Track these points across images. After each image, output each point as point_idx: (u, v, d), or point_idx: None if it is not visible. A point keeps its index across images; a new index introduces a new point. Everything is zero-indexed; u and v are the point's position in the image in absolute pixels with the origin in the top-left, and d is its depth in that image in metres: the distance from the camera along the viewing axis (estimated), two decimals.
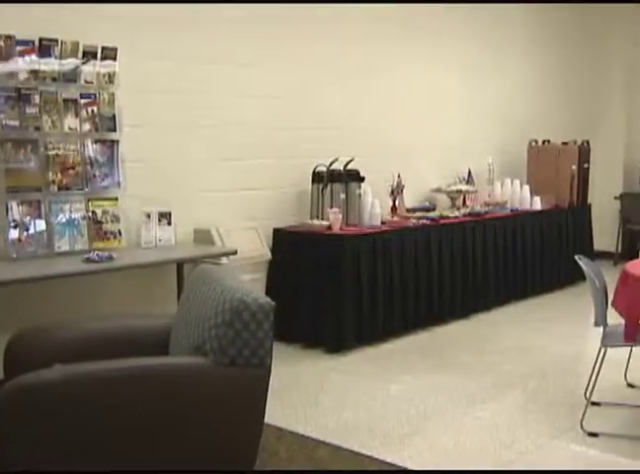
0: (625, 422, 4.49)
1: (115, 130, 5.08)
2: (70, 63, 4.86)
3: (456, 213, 7.15)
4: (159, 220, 5.27)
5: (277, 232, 6.20)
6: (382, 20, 7.04)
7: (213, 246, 5.49)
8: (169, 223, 5.30)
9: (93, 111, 4.98)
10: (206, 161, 5.77)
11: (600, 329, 4.34)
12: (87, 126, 4.97)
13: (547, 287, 8.04)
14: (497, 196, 8.01)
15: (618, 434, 4.26)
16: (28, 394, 2.83)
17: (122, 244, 5.10)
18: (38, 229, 4.73)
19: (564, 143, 8.54)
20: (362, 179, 6.38)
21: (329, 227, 6.04)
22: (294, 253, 6.06)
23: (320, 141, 6.52)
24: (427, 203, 7.47)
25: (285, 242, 6.14)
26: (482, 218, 7.24)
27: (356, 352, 5.87)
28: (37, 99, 4.72)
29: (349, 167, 6.31)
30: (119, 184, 5.11)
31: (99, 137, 5.04)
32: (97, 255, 4.60)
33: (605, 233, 9.59)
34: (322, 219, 6.17)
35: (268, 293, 5.86)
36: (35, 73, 4.71)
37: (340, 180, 6.24)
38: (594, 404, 4.61)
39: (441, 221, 6.81)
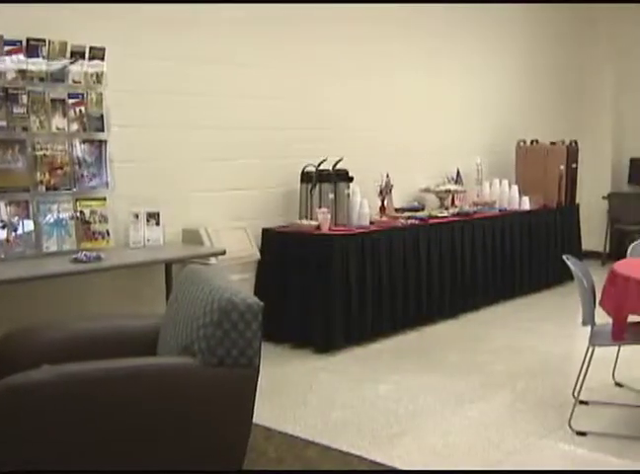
0: (613, 421, 4.50)
1: (103, 130, 5.07)
2: (58, 63, 4.85)
3: (445, 213, 7.16)
4: (147, 220, 5.26)
5: (265, 232, 6.19)
6: (373, 21, 7.04)
7: (202, 246, 5.48)
8: (157, 223, 5.29)
9: (81, 111, 4.97)
10: (195, 161, 5.76)
11: (588, 328, 4.36)
12: (75, 126, 4.95)
13: (536, 287, 8.07)
14: (485, 195, 8.03)
15: (606, 432, 4.27)
16: (16, 395, 2.81)
17: (111, 244, 5.09)
18: (26, 229, 4.71)
19: (552, 143, 8.56)
20: (351, 179, 6.38)
21: (318, 227, 6.04)
22: (283, 253, 6.06)
23: (309, 141, 6.52)
24: (415, 203, 7.48)
25: (274, 242, 6.13)
26: (471, 218, 7.26)
27: (344, 352, 5.88)
28: (24, 99, 4.70)
29: (337, 167, 6.31)
30: (107, 184, 5.09)
31: (87, 137, 5.03)
32: (85, 255, 4.58)
33: (593, 233, 9.62)
34: (311, 219, 6.17)
35: (256, 293, 5.84)
36: (22, 73, 4.69)
37: (329, 180, 6.24)
38: (582, 403, 4.62)
39: (430, 221, 6.82)
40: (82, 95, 4.98)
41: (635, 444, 4.09)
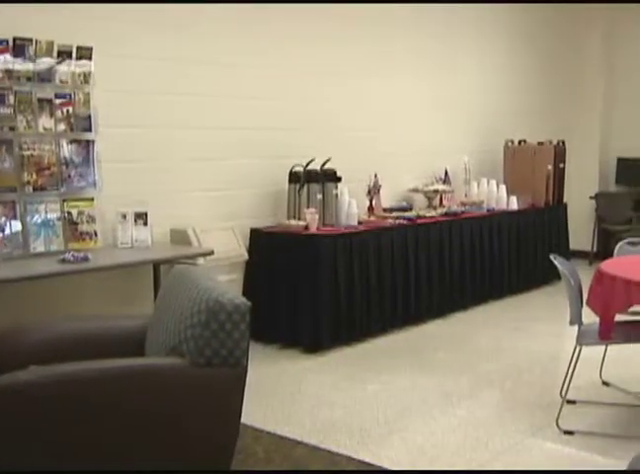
0: (600, 420, 4.52)
1: (90, 130, 5.06)
2: (45, 63, 4.83)
3: (433, 213, 7.17)
4: (135, 221, 5.25)
5: (253, 232, 6.19)
6: (363, 23, 7.05)
7: (190, 246, 5.47)
8: (145, 224, 5.28)
9: (68, 111, 4.95)
10: (183, 161, 5.76)
11: (576, 327, 4.37)
12: (62, 126, 4.94)
13: (523, 287, 8.09)
14: (473, 195, 8.05)
15: (593, 431, 4.29)
16: (3, 395, 2.80)
17: (98, 245, 5.08)
18: (13, 230, 4.70)
19: (540, 143, 8.58)
20: (339, 179, 6.39)
21: (306, 227, 6.05)
22: (271, 253, 6.06)
23: (297, 141, 6.53)
24: (404, 203, 7.49)
25: (262, 242, 6.13)
26: (459, 218, 7.27)
27: (333, 352, 5.88)
28: (11, 99, 4.68)
29: (325, 167, 6.31)
30: (94, 184, 5.08)
31: (74, 137, 5.01)
32: (72, 256, 4.57)
33: (581, 232, 9.66)
34: (299, 219, 6.17)
35: (245, 294, 5.85)
36: (9, 73, 4.67)
37: (317, 180, 6.24)
38: (569, 402, 4.64)
39: (418, 221, 6.83)
40: (69, 95, 4.96)
41: (622, 443, 4.11)
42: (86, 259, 4.59)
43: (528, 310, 7.37)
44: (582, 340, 4.33)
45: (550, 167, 8.41)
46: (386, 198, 7.24)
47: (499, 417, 4.54)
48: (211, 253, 5.26)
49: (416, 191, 7.63)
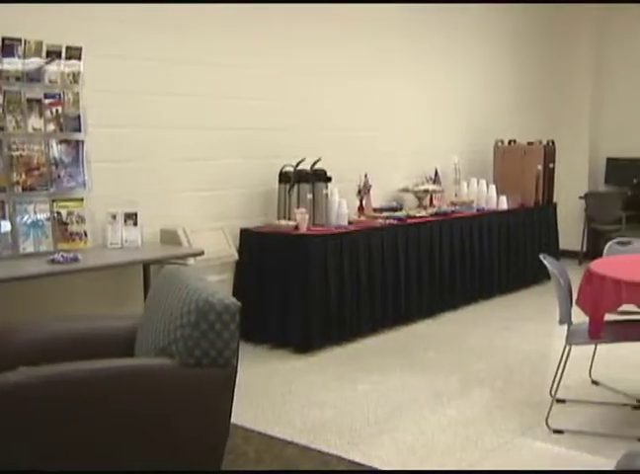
0: (590, 418, 4.53)
1: (79, 130, 5.04)
2: (34, 63, 4.82)
3: (423, 213, 7.18)
4: (125, 221, 5.24)
5: (243, 232, 6.19)
6: (353, 23, 7.06)
7: (180, 247, 5.46)
8: (135, 224, 5.27)
9: (57, 111, 4.94)
10: (173, 161, 5.75)
11: (565, 327, 4.38)
12: (51, 127, 4.93)
13: (513, 286, 8.10)
14: (463, 195, 8.06)
15: (583, 430, 4.30)
16: None
17: (88, 245, 5.06)
18: (2, 230, 4.68)
19: (530, 143, 8.60)
20: (329, 179, 6.39)
21: (296, 227, 6.04)
22: (261, 253, 6.06)
23: (287, 141, 6.53)
24: (394, 203, 7.49)
25: (252, 242, 6.13)
26: (449, 218, 7.28)
27: (323, 352, 5.88)
28: (0, 99, 4.67)
29: (316, 167, 6.31)
30: (84, 184, 5.07)
31: (64, 137, 5.00)
32: (62, 256, 4.56)
33: (571, 232, 9.68)
34: (289, 219, 6.17)
35: (235, 294, 5.85)
36: None
37: (307, 180, 6.23)
38: (559, 401, 4.66)
39: (408, 221, 6.83)
40: (59, 95, 4.95)
41: (611, 442, 4.12)
42: (76, 259, 4.58)
43: (518, 310, 7.39)
44: (571, 339, 4.34)
45: (540, 167, 8.43)
46: (376, 198, 7.25)
47: (489, 416, 4.55)
48: (201, 253, 5.26)
49: (406, 190, 7.64)
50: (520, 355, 5.80)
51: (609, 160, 9.89)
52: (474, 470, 3.83)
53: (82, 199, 5.07)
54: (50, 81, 4.91)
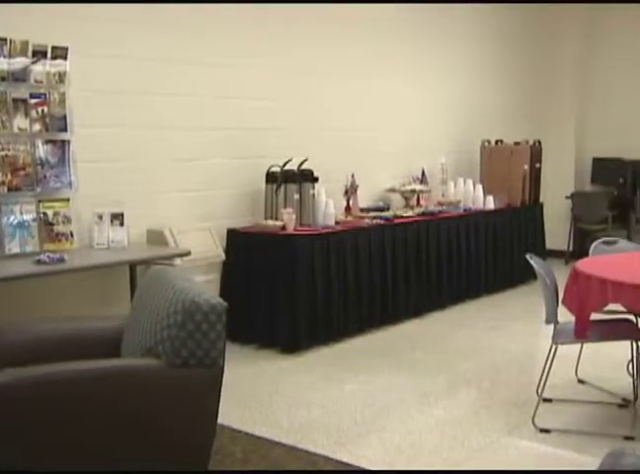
0: (576, 417, 4.55)
1: (66, 131, 5.03)
2: (19, 62, 4.80)
3: (410, 213, 7.19)
4: (111, 221, 5.22)
5: (230, 233, 6.18)
6: (340, 24, 7.06)
7: (167, 247, 5.45)
8: (121, 224, 5.26)
9: (43, 111, 4.92)
10: (159, 161, 5.74)
11: (552, 326, 4.40)
12: (37, 127, 4.91)
13: (500, 286, 8.12)
14: (450, 195, 8.08)
15: (569, 429, 4.32)
16: None
17: (74, 245, 5.05)
18: None
19: (516, 143, 8.63)
20: (316, 179, 6.39)
21: (283, 227, 6.04)
22: (248, 253, 6.05)
23: (274, 142, 6.53)
24: (381, 203, 7.50)
25: (239, 243, 6.12)
26: (436, 218, 7.29)
27: (310, 352, 5.88)
28: None
29: (303, 167, 6.31)
30: (70, 185, 5.05)
31: (49, 138, 4.98)
32: (48, 257, 4.54)
33: (557, 232, 9.71)
34: (276, 220, 6.16)
35: (222, 294, 5.85)
36: None
37: (294, 180, 6.24)
38: (545, 400, 4.67)
39: (395, 221, 6.84)
40: (44, 95, 4.93)
41: (597, 440, 4.14)
42: (62, 260, 4.57)
43: (505, 309, 7.41)
44: (558, 338, 4.36)
45: (526, 167, 8.46)
46: (363, 198, 7.25)
47: (476, 416, 4.56)
48: (188, 253, 5.25)
49: (393, 191, 7.65)
50: (506, 355, 5.82)
51: (596, 160, 9.93)
52: (461, 470, 3.83)
53: (68, 200, 5.06)
54: (36, 81, 4.89)
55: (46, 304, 4.98)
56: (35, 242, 4.87)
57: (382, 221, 6.71)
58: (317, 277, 5.95)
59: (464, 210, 7.83)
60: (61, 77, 4.99)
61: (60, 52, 4.95)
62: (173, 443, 3.07)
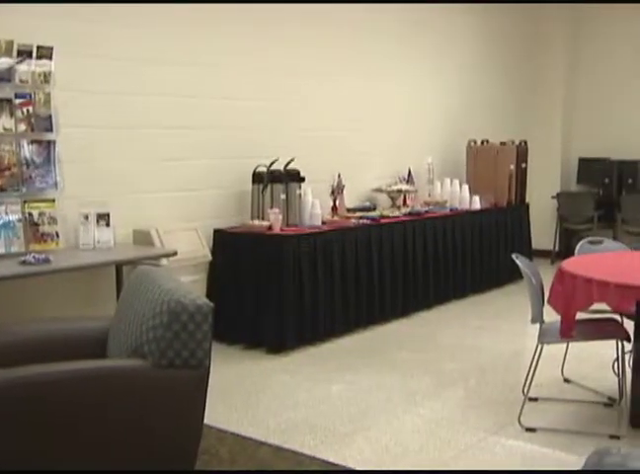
0: (562, 416, 4.56)
1: (51, 131, 5.00)
2: (4, 62, 4.78)
3: (397, 213, 7.20)
4: (97, 221, 5.21)
5: (217, 233, 6.17)
6: (324, 23, 7.05)
7: (153, 247, 5.44)
8: (107, 224, 5.24)
9: (28, 111, 4.90)
10: (146, 161, 5.73)
11: (538, 326, 4.41)
12: (22, 127, 4.88)
13: (487, 286, 8.14)
14: (437, 195, 8.09)
15: (555, 428, 4.34)
16: None
17: (60, 246, 5.03)
18: None
19: (502, 143, 8.65)
20: (303, 179, 6.39)
21: (269, 228, 6.04)
22: (235, 254, 6.04)
23: (261, 142, 6.52)
24: (367, 203, 7.51)
25: (226, 243, 6.12)
26: (422, 218, 7.30)
27: (297, 352, 5.88)
28: None
29: (289, 167, 6.31)
30: (56, 185, 5.03)
31: (35, 138, 4.96)
32: (33, 257, 4.52)
33: (543, 232, 9.74)
34: (262, 220, 6.16)
35: (208, 294, 5.85)
36: None
37: (280, 180, 6.23)
38: (531, 400, 4.69)
39: (382, 221, 6.85)
40: (29, 95, 4.91)
41: (583, 439, 4.16)
42: (47, 260, 4.55)
43: (491, 309, 7.42)
44: (543, 338, 4.37)
45: (512, 167, 8.48)
46: (350, 199, 7.26)
47: (462, 415, 4.57)
48: (174, 254, 5.24)
49: (379, 191, 7.66)
50: (492, 355, 5.83)
51: (581, 160, 9.97)
52: (448, 470, 3.84)
53: (54, 200, 5.04)
54: (21, 81, 4.87)
55: (32, 305, 4.96)
56: (20, 242, 4.85)
57: (369, 221, 6.71)
58: (304, 277, 5.95)
59: (451, 210, 7.84)
60: (46, 77, 4.97)
61: (45, 52, 4.93)
62: (159, 444, 3.07)
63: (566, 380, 5.15)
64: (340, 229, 6.39)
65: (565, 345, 5.14)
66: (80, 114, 5.25)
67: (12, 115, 4.83)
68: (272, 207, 6.14)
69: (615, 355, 4.58)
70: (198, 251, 5.80)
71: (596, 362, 5.46)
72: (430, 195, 8.11)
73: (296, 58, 6.86)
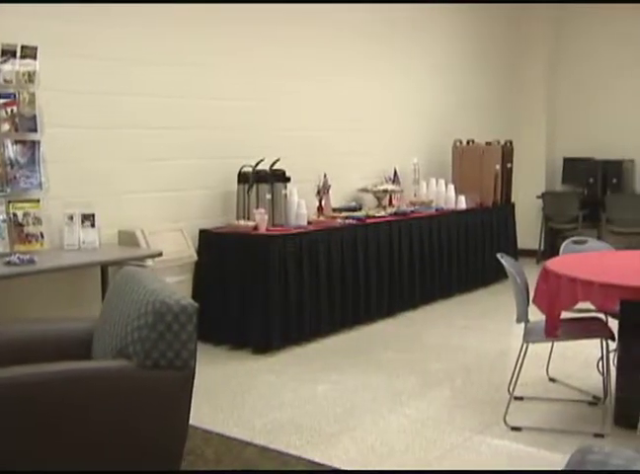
0: (547, 415, 4.58)
1: (35, 131, 4.98)
2: None
3: (382, 213, 7.21)
4: (82, 222, 5.19)
5: (202, 233, 6.16)
6: (311, 24, 7.06)
7: (138, 248, 5.43)
8: (93, 225, 5.23)
9: (12, 111, 4.88)
10: (131, 162, 5.71)
11: (523, 325, 4.43)
12: (6, 127, 4.86)
13: (473, 285, 8.16)
14: (422, 195, 8.11)
15: (540, 427, 4.35)
16: None
17: (45, 246, 5.01)
18: None
19: (488, 143, 8.67)
20: (288, 179, 6.39)
21: (255, 228, 6.03)
22: (220, 254, 6.04)
23: (246, 142, 6.52)
24: (353, 203, 7.51)
25: (211, 243, 6.11)
26: (408, 218, 7.31)
27: (283, 352, 5.88)
28: None
29: (274, 167, 6.31)
30: (40, 185, 5.01)
31: (19, 138, 4.94)
32: (18, 258, 4.50)
33: (529, 231, 9.77)
34: (248, 220, 6.15)
35: (194, 295, 5.84)
36: None
37: (266, 180, 6.23)
38: (517, 399, 4.70)
39: (368, 221, 6.85)
40: (14, 94, 4.89)
41: (568, 438, 4.17)
42: (32, 261, 4.53)
43: (477, 309, 7.44)
44: (528, 337, 4.38)
45: (498, 167, 8.51)
46: (336, 199, 7.26)
47: (448, 415, 4.58)
48: (160, 254, 5.23)
49: (365, 191, 7.66)
50: (478, 354, 5.84)
51: (566, 160, 10.01)
52: (433, 470, 3.85)
53: (38, 201, 5.02)
54: (5, 81, 4.85)
55: (16, 306, 4.94)
56: (4, 243, 4.83)
57: (355, 221, 6.72)
58: (289, 278, 5.95)
59: (436, 210, 7.86)
60: (31, 77, 4.95)
61: (30, 52, 4.91)
62: (144, 445, 3.06)
63: (551, 379, 5.17)
64: (326, 229, 6.39)
65: (550, 344, 5.16)
66: (65, 114, 5.24)
67: None
68: (257, 207, 6.14)
69: (600, 354, 4.60)
70: (183, 251, 5.79)
71: (580, 361, 5.48)
72: (415, 194, 8.13)
73: (283, 59, 6.86)
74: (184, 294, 3.14)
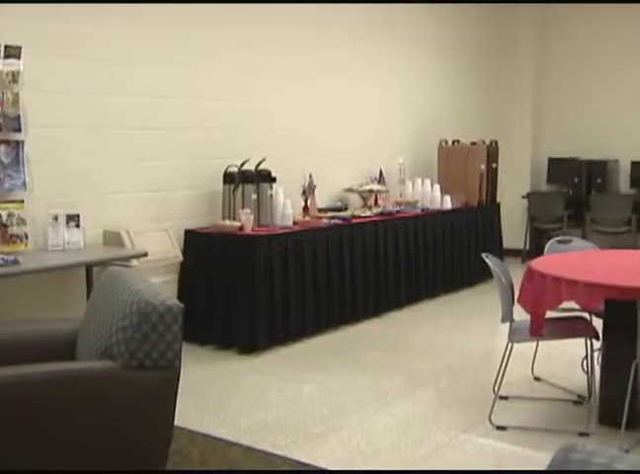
0: (532, 414, 4.60)
1: (20, 131, 4.96)
2: None
3: (368, 213, 7.22)
4: (67, 222, 5.18)
5: (188, 233, 6.15)
6: (296, 23, 7.06)
7: (123, 248, 5.41)
8: (77, 225, 5.21)
9: None
10: (116, 162, 5.70)
11: (508, 325, 4.44)
12: None
13: (458, 285, 8.18)
14: (408, 195, 8.12)
15: (525, 426, 4.37)
16: None
17: (29, 247, 4.99)
18: None
19: (473, 143, 8.69)
20: (274, 179, 6.39)
21: (241, 228, 6.03)
22: (206, 254, 6.03)
23: (232, 142, 6.51)
24: (339, 203, 7.52)
25: (197, 243, 6.10)
26: (394, 218, 7.32)
27: (269, 352, 5.88)
28: None
29: (260, 167, 6.30)
30: (24, 185, 4.98)
31: (3, 138, 4.91)
32: (2, 259, 4.48)
33: (514, 231, 9.81)
34: (234, 220, 6.15)
35: (180, 295, 5.84)
36: None
37: (251, 180, 6.23)
38: (502, 398, 4.72)
39: (353, 221, 6.86)
40: None
41: (552, 437, 4.20)
42: (16, 262, 4.51)
43: (463, 308, 7.46)
44: (513, 337, 4.40)
45: (483, 167, 8.53)
46: (321, 199, 7.27)
47: (433, 414, 4.59)
48: (145, 254, 5.22)
49: (351, 191, 7.67)
50: (464, 354, 5.86)
51: (551, 160, 10.05)
52: (419, 470, 3.85)
53: (22, 201, 4.99)
54: None
55: (1, 307, 4.92)
56: None
57: (340, 221, 6.72)
58: (275, 278, 5.94)
59: (422, 210, 7.87)
60: (15, 77, 4.92)
61: (13, 52, 4.88)
62: (129, 445, 3.05)
63: (536, 378, 5.19)
64: (311, 229, 6.39)
65: (535, 343, 5.18)
66: (50, 113, 5.22)
67: None
68: (243, 208, 6.13)
69: (584, 353, 4.62)
70: (168, 251, 5.78)
71: (565, 361, 5.51)
72: (401, 194, 8.14)
73: (268, 59, 6.86)
74: (169, 295, 3.14)
